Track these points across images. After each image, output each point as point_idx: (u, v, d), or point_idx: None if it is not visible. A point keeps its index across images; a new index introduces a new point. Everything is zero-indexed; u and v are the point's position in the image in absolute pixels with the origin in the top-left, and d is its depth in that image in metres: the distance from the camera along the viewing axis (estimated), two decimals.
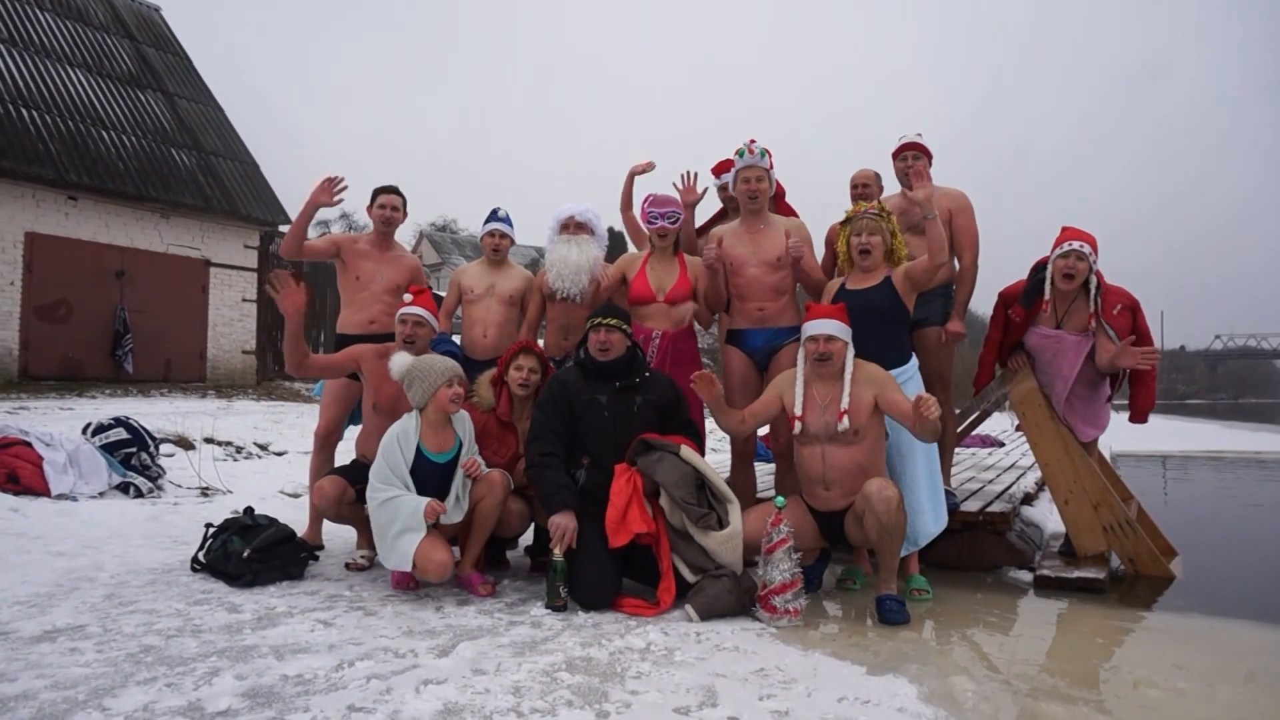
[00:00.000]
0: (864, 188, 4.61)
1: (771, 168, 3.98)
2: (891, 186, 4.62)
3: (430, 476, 3.45)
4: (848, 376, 3.44)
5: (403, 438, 3.43)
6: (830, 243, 4.44)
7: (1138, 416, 4.31)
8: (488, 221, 4.54)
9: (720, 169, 4.59)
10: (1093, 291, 4.06)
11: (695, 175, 4.29)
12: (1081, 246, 4.03)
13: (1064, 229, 4.15)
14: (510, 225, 4.53)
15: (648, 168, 4.38)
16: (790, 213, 4.38)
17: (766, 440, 4.40)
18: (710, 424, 4.76)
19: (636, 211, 4.40)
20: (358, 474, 3.77)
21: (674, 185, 4.27)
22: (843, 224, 3.86)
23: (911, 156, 4.33)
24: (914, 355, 3.83)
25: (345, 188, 4.19)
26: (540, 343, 4.16)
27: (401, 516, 3.30)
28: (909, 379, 3.68)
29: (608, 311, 3.60)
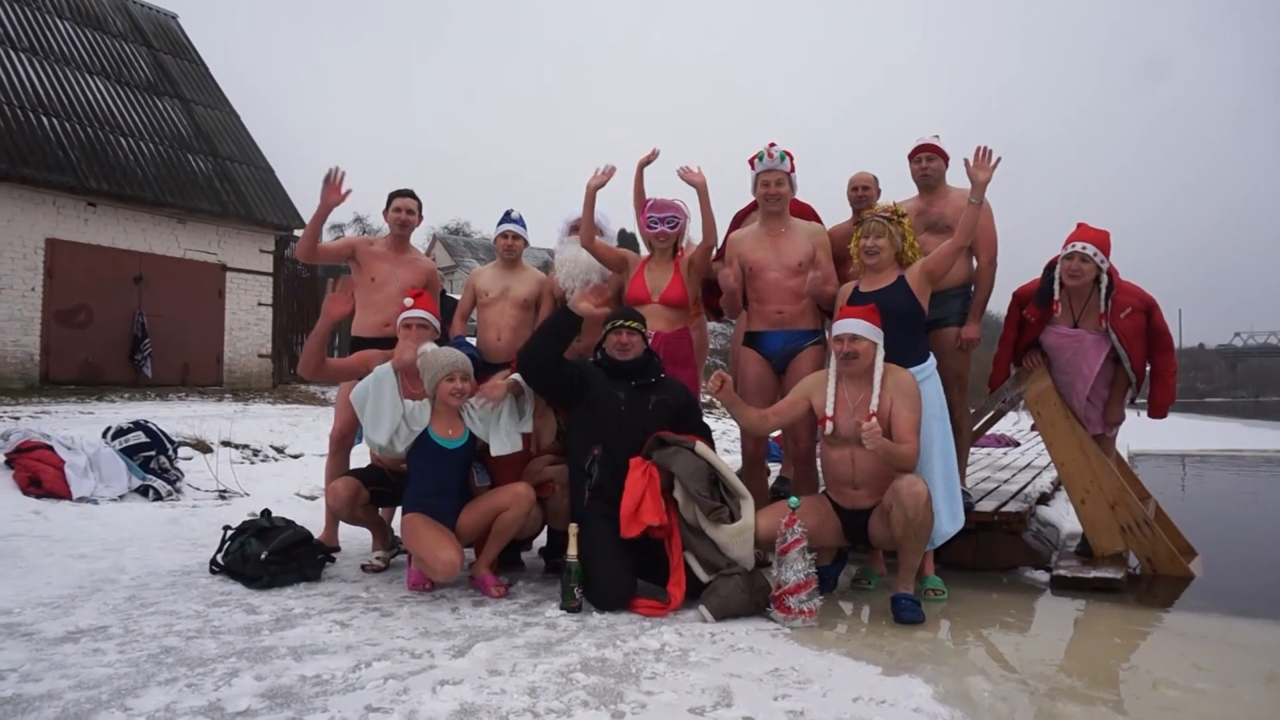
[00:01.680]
0: (864, 190, 4.56)
1: (793, 170, 3.97)
2: (889, 190, 4.58)
3: (438, 460, 3.53)
4: (877, 379, 3.41)
5: (418, 412, 3.58)
6: (831, 245, 4.44)
7: (1157, 411, 4.29)
8: (501, 223, 4.54)
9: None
10: (1104, 292, 4.04)
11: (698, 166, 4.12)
12: (1085, 248, 4.02)
13: (1078, 226, 4.13)
14: (524, 227, 4.53)
15: (653, 156, 4.22)
16: (802, 211, 4.36)
17: (778, 439, 4.39)
18: (720, 426, 4.74)
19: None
20: (373, 477, 3.80)
21: (678, 173, 4.10)
22: (856, 224, 3.85)
23: (926, 158, 4.30)
24: (931, 355, 3.80)
25: (344, 175, 4.17)
26: None
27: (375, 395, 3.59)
28: (927, 378, 3.66)
29: (626, 314, 3.66)
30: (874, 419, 3.19)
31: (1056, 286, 4.09)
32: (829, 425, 3.44)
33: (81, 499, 5.18)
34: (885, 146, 5.01)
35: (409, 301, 3.91)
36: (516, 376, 3.69)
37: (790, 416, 3.64)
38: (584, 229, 4.11)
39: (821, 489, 3.76)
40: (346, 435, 4.41)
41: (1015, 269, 4.48)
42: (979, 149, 3.66)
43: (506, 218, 4.53)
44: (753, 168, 4.53)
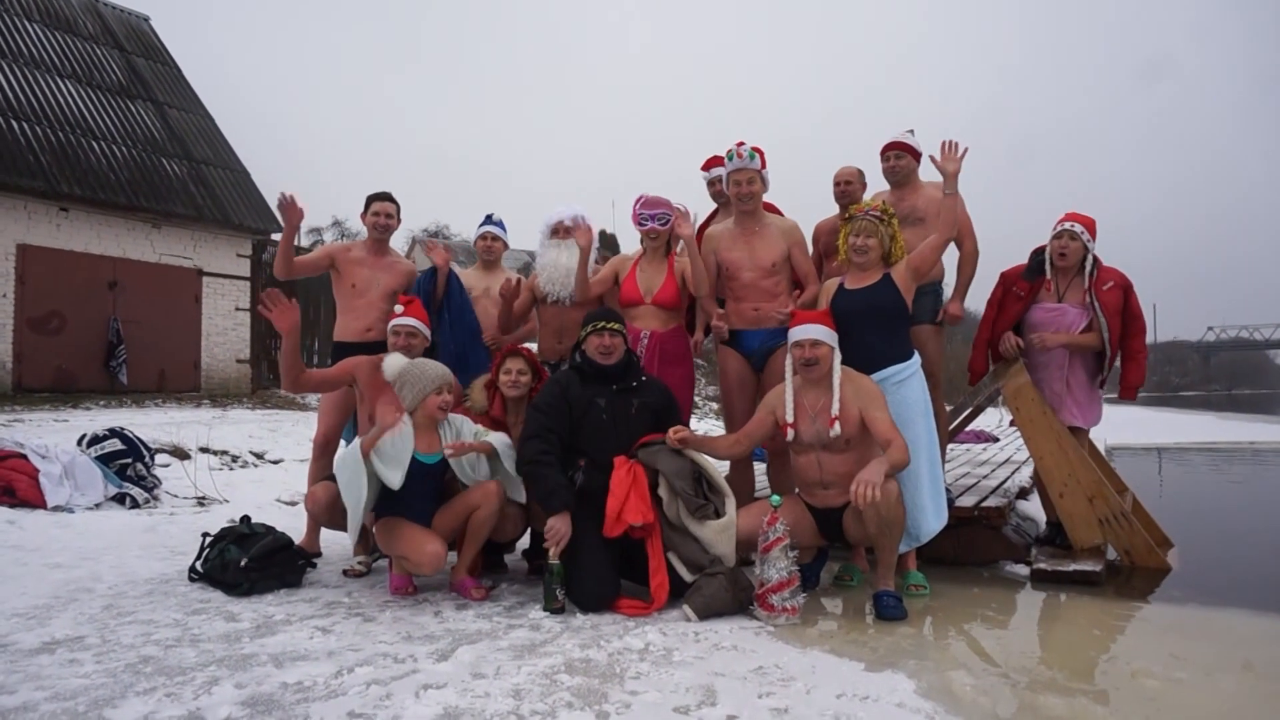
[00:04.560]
0: (846, 185, 4.57)
1: (764, 167, 3.99)
2: (876, 183, 4.61)
3: (418, 476, 3.47)
4: (836, 382, 3.43)
5: (401, 442, 3.43)
6: (817, 239, 4.47)
7: (1127, 392, 4.38)
8: (481, 225, 4.61)
9: (709, 165, 4.58)
10: (1088, 270, 4.21)
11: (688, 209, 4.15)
12: (1073, 226, 4.21)
13: (1066, 214, 4.30)
14: (503, 229, 4.57)
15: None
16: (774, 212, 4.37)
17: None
18: (703, 426, 4.73)
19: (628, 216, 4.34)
20: None
21: (676, 207, 4.14)
22: (845, 220, 3.87)
23: (895, 156, 4.32)
24: (915, 352, 3.82)
25: (294, 195, 4.10)
26: (533, 347, 4.18)
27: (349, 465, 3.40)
28: (912, 374, 3.68)
29: (607, 315, 3.61)
30: (868, 488, 3.09)
31: (1048, 266, 4.27)
32: (790, 433, 3.46)
33: (56, 508, 5.11)
34: (880, 144, 5.05)
35: (399, 309, 3.85)
36: (492, 438, 3.61)
37: (761, 435, 3.66)
38: (579, 286, 4.13)
39: (795, 490, 3.78)
40: (330, 440, 4.37)
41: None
42: (944, 143, 3.73)
43: (487, 220, 4.60)
44: (707, 172, 4.58)
